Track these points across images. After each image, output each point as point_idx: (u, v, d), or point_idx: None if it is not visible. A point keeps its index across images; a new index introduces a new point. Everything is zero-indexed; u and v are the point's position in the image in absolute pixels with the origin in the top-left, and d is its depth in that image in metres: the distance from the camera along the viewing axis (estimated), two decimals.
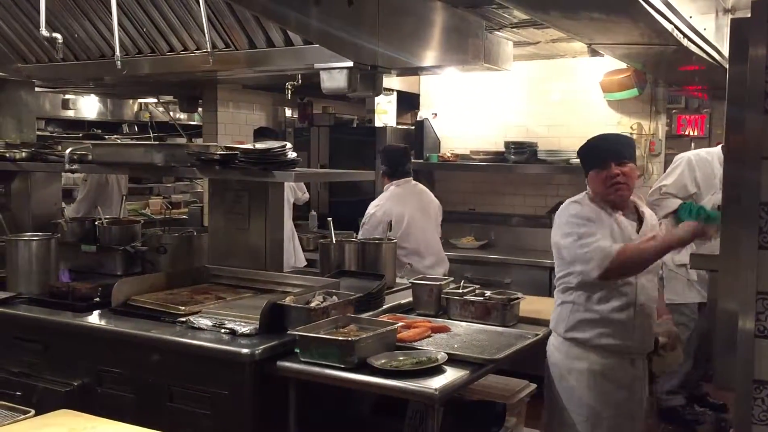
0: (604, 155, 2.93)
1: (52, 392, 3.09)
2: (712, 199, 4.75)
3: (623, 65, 5.48)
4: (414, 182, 4.96)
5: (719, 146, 4.77)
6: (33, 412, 2.01)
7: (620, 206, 2.95)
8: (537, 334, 3.08)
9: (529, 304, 3.43)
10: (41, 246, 3.67)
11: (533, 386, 3.45)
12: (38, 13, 3.66)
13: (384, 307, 3.41)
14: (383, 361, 2.61)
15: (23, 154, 4.24)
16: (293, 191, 5.65)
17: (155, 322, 3.11)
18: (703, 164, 4.75)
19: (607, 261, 2.77)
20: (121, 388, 3.02)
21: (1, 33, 4.23)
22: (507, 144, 5.98)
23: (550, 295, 5.12)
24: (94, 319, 3.22)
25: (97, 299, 3.39)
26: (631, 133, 5.85)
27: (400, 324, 2.94)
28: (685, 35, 3.90)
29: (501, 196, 6.30)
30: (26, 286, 3.58)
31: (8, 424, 1.94)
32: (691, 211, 4.57)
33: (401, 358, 2.65)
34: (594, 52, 5.22)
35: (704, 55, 4.42)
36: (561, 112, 6.07)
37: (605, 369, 2.91)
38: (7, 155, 4.22)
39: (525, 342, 3.01)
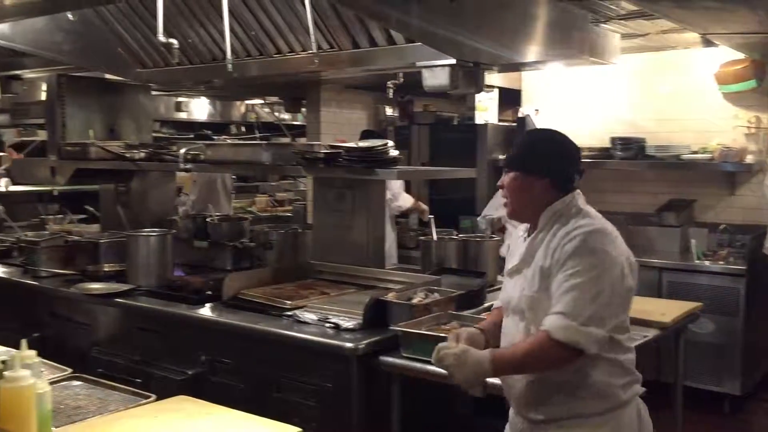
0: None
1: (168, 380, 3.26)
2: None
3: (740, 55, 5.19)
4: None
5: None
6: (154, 397, 2.13)
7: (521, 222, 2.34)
8: (645, 336, 2.97)
9: (637, 304, 3.30)
10: (158, 241, 3.88)
11: (642, 389, 3.33)
12: (156, 20, 3.87)
13: (485, 305, 3.38)
14: None
15: (141, 155, 4.48)
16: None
17: (263, 315, 3.22)
18: None
19: None
20: (232, 378, 3.15)
21: (122, 40, 4.49)
22: (613, 140, 5.79)
23: (659, 295, 4.96)
24: (207, 311, 3.37)
25: (209, 292, 3.55)
26: (748, 128, 5.55)
27: None
28: None
29: (607, 194, 6.10)
30: (144, 279, 3.79)
31: (132, 407, 2.07)
32: None
33: None
34: (708, 43, 4.98)
35: None
36: (672, 106, 5.82)
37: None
38: (127, 155, 4.48)
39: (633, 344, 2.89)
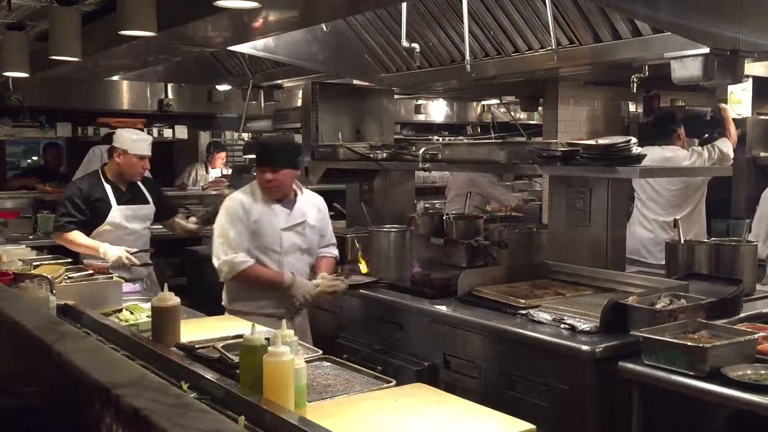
0: (260, 160, 3.61)
1: (405, 369, 3.42)
2: None
3: None
4: None
5: None
6: (394, 382, 2.26)
7: (277, 199, 3.60)
8: None
9: None
10: (398, 237, 4.08)
11: None
12: (400, 26, 4.07)
13: (741, 315, 3.10)
14: (740, 372, 2.38)
15: (384, 155, 4.72)
16: None
17: (497, 312, 3.25)
18: None
19: (234, 273, 3.49)
20: (465, 371, 3.22)
21: (368, 47, 4.79)
22: None
23: None
24: (442, 306, 3.47)
25: (444, 288, 3.64)
26: None
27: (760, 334, 2.65)
28: None
29: None
30: (385, 273, 4.00)
31: (375, 390, 2.21)
32: None
33: (762, 372, 2.39)
34: None
35: None
36: None
37: None
38: (371, 155, 4.75)
39: None
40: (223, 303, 3.68)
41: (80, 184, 4.48)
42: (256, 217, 3.57)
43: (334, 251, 3.88)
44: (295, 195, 3.70)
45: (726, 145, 5.24)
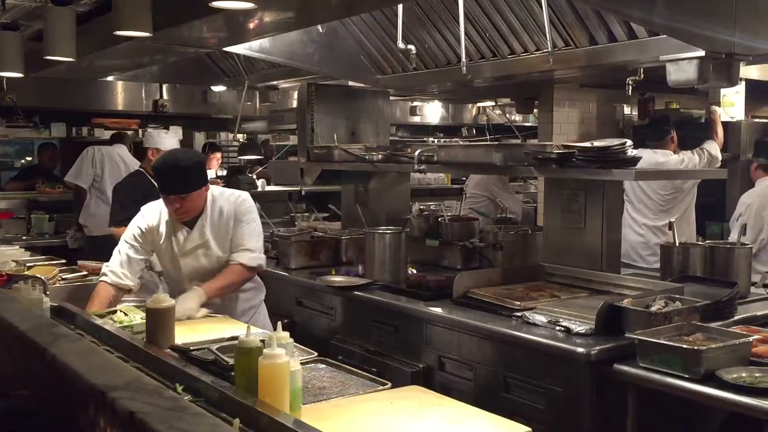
0: (166, 186, 3.25)
1: (400, 371, 3.42)
2: None
3: None
4: None
5: None
6: (389, 384, 2.25)
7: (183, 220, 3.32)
8: None
9: None
10: (393, 239, 4.07)
11: None
12: (396, 28, 4.08)
13: (735, 318, 3.11)
14: (735, 375, 2.39)
15: (379, 156, 4.72)
16: None
17: (492, 315, 3.25)
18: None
19: None
20: (460, 374, 3.22)
21: (364, 49, 4.78)
22: None
23: None
24: (438, 308, 3.47)
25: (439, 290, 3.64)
26: None
27: (755, 337, 2.65)
28: None
29: None
30: (380, 274, 3.99)
31: (370, 392, 2.21)
32: None
33: (757, 374, 2.39)
34: None
35: None
36: None
37: None
38: (366, 157, 4.75)
39: None
40: None
41: (136, 182, 4.81)
42: (156, 246, 3.38)
43: (241, 258, 3.32)
44: (202, 209, 3.32)
45: (713, 147, 5.30)
